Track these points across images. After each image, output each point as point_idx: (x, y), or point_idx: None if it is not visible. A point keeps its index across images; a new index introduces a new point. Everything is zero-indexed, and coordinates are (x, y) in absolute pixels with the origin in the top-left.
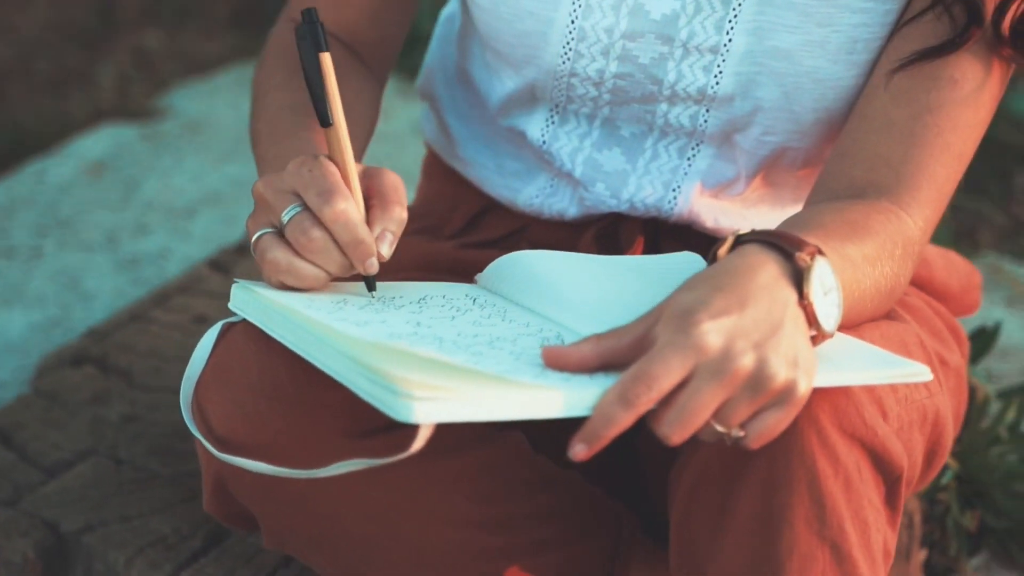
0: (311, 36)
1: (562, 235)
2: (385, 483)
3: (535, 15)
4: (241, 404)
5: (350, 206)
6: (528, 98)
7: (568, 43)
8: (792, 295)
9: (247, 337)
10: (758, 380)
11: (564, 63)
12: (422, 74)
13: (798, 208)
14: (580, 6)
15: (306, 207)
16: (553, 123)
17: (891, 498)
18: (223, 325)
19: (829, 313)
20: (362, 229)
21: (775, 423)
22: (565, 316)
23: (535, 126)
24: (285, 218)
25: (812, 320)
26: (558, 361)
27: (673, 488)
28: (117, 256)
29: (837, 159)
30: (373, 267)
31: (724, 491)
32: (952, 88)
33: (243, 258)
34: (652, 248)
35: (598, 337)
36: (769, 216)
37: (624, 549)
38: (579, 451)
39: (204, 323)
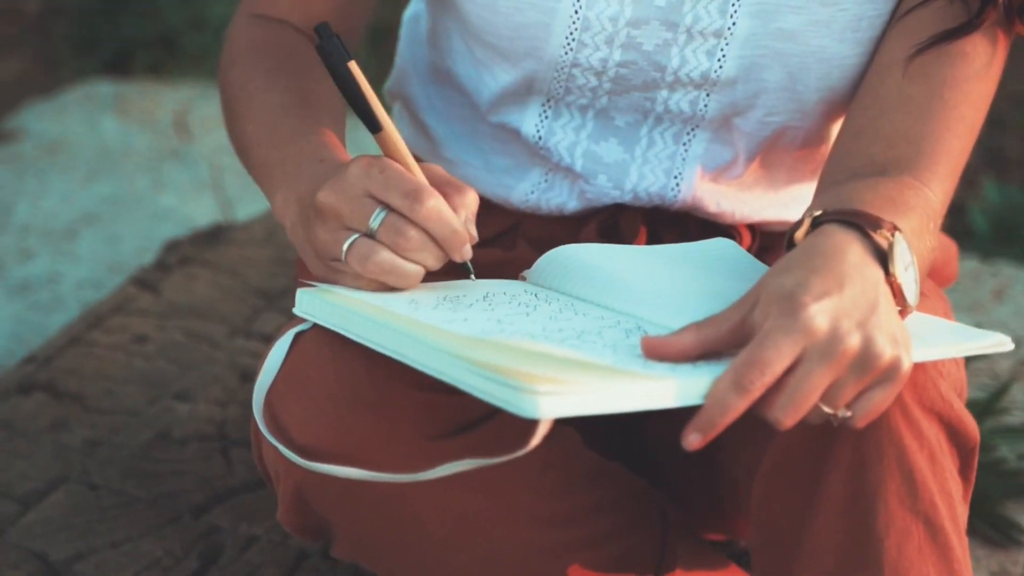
0: (334, 50)
1: (561, 229)
2: (465, 484)
3: (537, 6)
4: (322, 412)
5: (440, 202)
6: (523, 92)
7: (572, 33)
8: (879, 272)
9: (319, 344)
10: (865, 359)
11: (567, 54)
12: (393, 76)
13: (792, 189)
14: None
15: (391, 209)
16: (547, 117)
17: (965, 470)
18: (294, 334)
19: (911, 288)
20: (455, 220)
21: (881, 401)
22: (634, 307)
23: (529, 121)
24: (375, 222)
25: (899, 296)
26: (660, 351)
27: (744, 473)
28: (6, 282)
29: (853, 137)
30: (469, 252)
31: (811, 473)
32: (965, 63)
33: (167, 275)
34: (654, 237)
35: (697, 326)
36: (764, 198)
37: (671, 538)
38: (694, 440)
39: (145, 342)
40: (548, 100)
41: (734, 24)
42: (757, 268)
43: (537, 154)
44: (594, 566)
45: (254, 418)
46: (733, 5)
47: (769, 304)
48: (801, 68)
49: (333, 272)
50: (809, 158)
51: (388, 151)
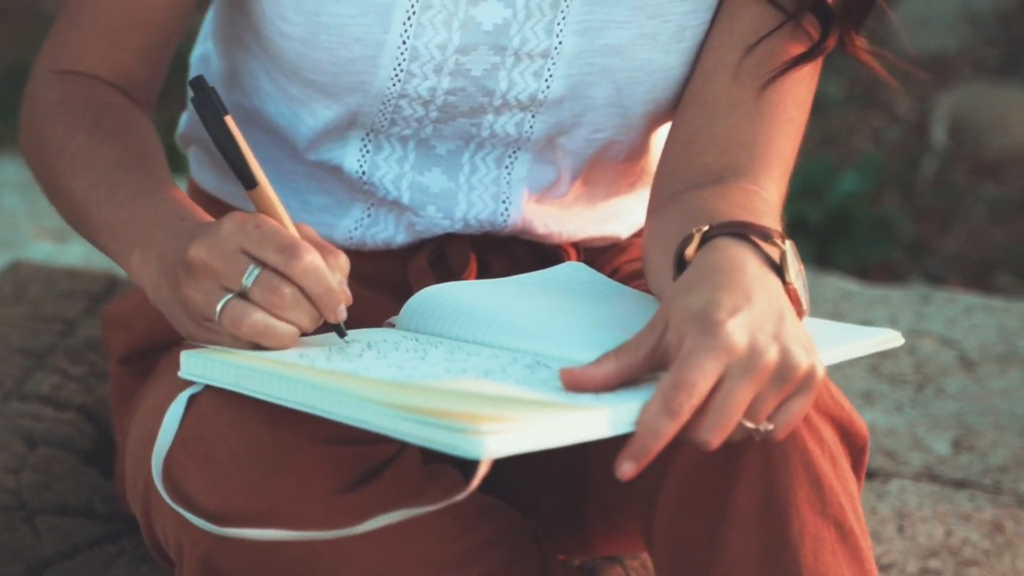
0: (210, 104)
1: (388, 264)
2: (377, 535)
3: (362, 40)
4: (228, 475)
5: (316, 258)
6: (344, 127)
7: (400, 64)
8: (778, 281)
9: (216, 405)
10: (784, 371)
11: (395, 85)
12: (186, 120)
13: (611, 203)
14: (412, 26)
15: (265, 265)
16: (368, 151)
17: (857, 469)
18: (188, 398)
19: (804, 294)
20: (332, 278)
21: (800, 411)
22: (524, 342)
23: (350, 157)
24: (248, 280)
25: (796, 303)
26: (581, 383)
27: (646, 495)
28: None
29: (684, 147)
30: (343, 313)
31: (719, 486)
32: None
33: None
34: (483, 264)
35: (615, 355)
36: (584, 215)
37: (550, 566)
38: (628, 469)
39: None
40: (368, 134)
41: (560, 43)
42: (615, 288)
43: (359, 189)
44: None
45: (135, 491)
46: (559, 24)
47: (683, 325)
48: (628, 83)
49: (207, 332)
50: (629, 171)
51: (262, 207)
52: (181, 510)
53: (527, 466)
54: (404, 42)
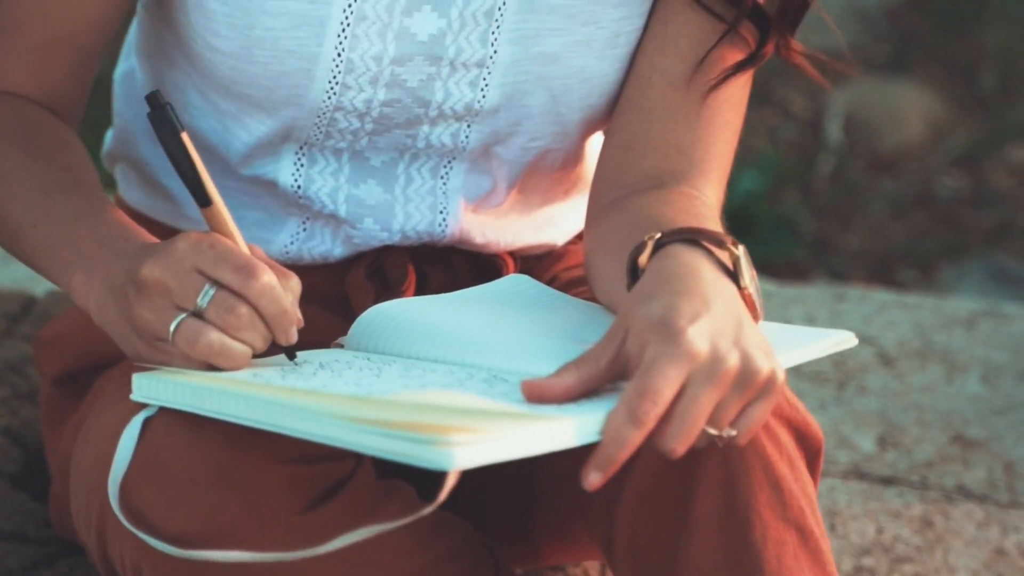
0: (166, 120)
1: (325, 278)
2: (337, 555)
3: (296, 53)
4: (187, 498)
5: (272, 278)
6: (278, 142)
7: (335, 77)
8: (733, 287)
9: (171, 427)
10: (745, 376)
11: (330, 98)
12: (113, 138)
13: (545, 211)
14: (346, 37)
15: (220, 285)
16: (303, 165)
17: (812, 471)
18: (142, 421)
19: (758, 299)
20: (286, 299)
21: (761, 416)
22: (477, 357)
23: (284, 171)
24: (203, 299)
25: (751, 307)
26: (543, 394)
27: (604, 504)
28: None
29: (621, 153)
30: (295, 335)
31: (680, 494)
32: (721, 67)
33: None
34: (420, 275)
35: (575, 365)
36: (519, 223)
37: (504, 575)
38: (594, 479)
39: None
40: (302, 147)
41: (495, 52)
42: (560, 298)
43: (294, 203)
44: None
45: (86, 517)
46: (493, 34)
47: (643, 333)
48: (564, 90)
49: (158, 352)
50: (564, 179)
51: (216, 226)
52: (142, 534)
53: (476, 477)
54: (339, 54)
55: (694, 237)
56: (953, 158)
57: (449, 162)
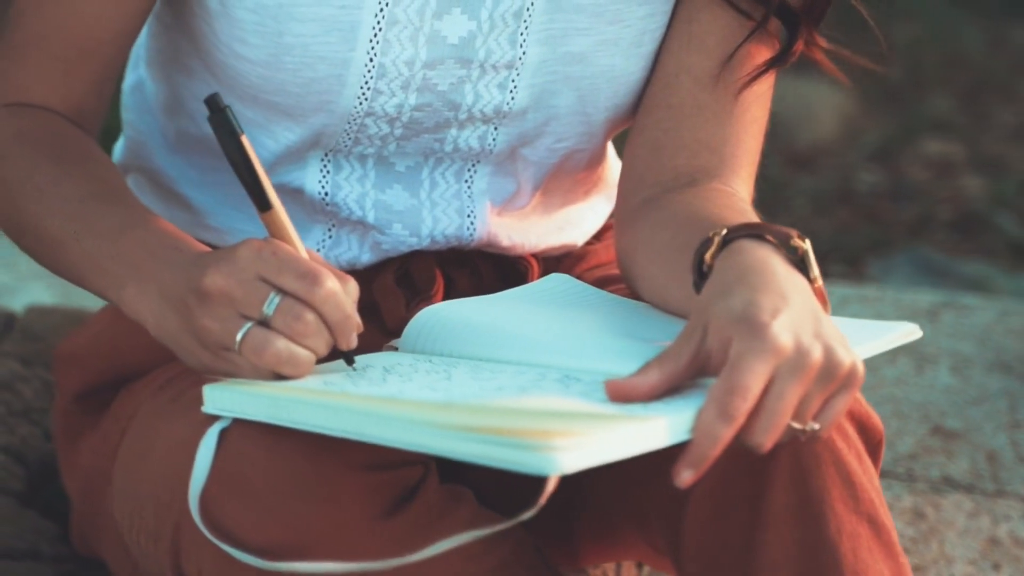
0: (226, 123)
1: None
2: (420, 564)
3: (328, 59)
4: (272, 509)
5: (336, 284)
6: (305, 149)
7: (367, 82)
8: (804, 280)
9: (250, 439)
10: (829, 369)
11: (361, 104)
12: (124, 149)
13: (565, 211)
14: (378, 42)
15: (285, 292)
16: (328, 172)
17: (874, 463)
18: (219, 433)
19: (825, 292)
20: (349, 304)
21: (842, 408)
22: (541, 357)
23: (311, 178)
24: (269, 307)
25: (822, 300)
26: (628, 393)
27: (670, 503)
28: None
29: (650, 151)
30: (355, 340)
31: (751, 490)
32: (752, 66)
33: None
34: (448, 279)
35: (658, 363)
36: (541, 225)
37: None
38: (686, 477)
39: None
40: (327, 154)
41: (524, 54)
42: (605, 297)
43: (320, 211)
44: None
45: (155, 537)
46: (522, 35)
47: (725, 329)
48: (591, 89)
49: (223, 362)
50: (586, 180)
51: (275, 232)
52: (230, 548)
53: (521, 478)
54: (371, 59)
55: (760, 232)
56: (868, 153)
57: (473, 166)
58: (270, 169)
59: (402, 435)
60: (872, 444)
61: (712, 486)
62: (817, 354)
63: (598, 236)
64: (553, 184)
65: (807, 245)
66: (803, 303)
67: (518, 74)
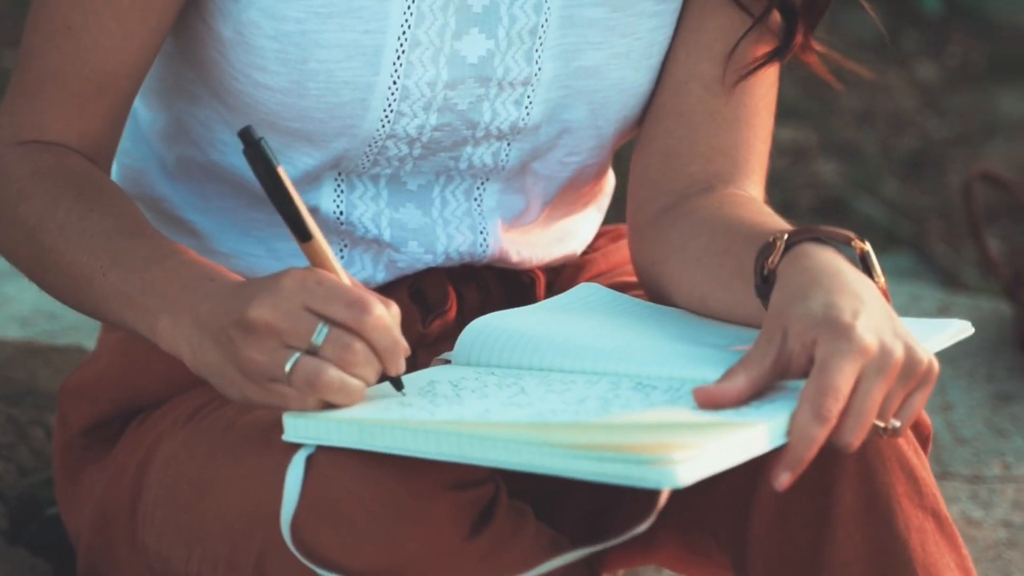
0: (261, 156)
1: None
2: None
3: (352, 84)
4: (368, 534)
5: (383, 310)
6: (322, 172)
7: (390, 105)
8: (870, 281)
9: (337, 465)
10: (909, 367)
11: (383, 126)
12: (118, 178)
13: (564, 223)
14: (401, 65)
15: (332, 322)
16: (342, 191)
17: (925, 456)
18: (305, 460)
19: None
20: (397, 331)
21: (920, 405)
22: (608, 365)
23: (326, 199)
24: (319, 338)
25: (887, 299)
26: (717, 400)
27: (733, 506)
28: None
29: (663, 160)
30: (403, 366)
31: (818, 490)
32: (758, 71)
33: None
34: (459, 296)
35: (742, 369)
36: (543, 237)
37: None
38: (785, 479)
39: None
40: (340, 174)
41: (539, 70)
42: (640, 303)
43: (334, 231)
44: None
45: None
46: (537, 51)
47: (807, 332)
48: (603, 102)
49: (270, 394)
50: (590, 192)
51: (316, 261)
52: (327, 573)
53: (551, 483)
54: (395, 82)
55: (822, 236)
56: None
57: (483, 183)
58: None
59: (510, 456)
60: (922, 439)
61: (777, 491)
62: (899, 353)
63: (591, 245)
64: (561, 198)
65: (868, 246)
66: (877, 303)
67: (533, 90)
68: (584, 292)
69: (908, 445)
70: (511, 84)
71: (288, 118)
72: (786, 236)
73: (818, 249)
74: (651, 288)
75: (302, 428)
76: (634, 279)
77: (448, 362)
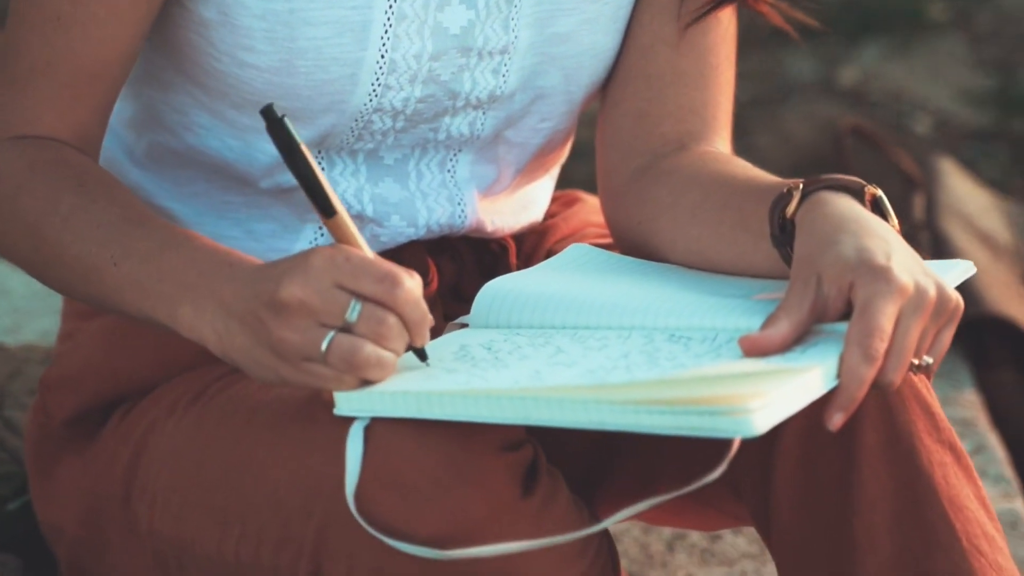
0: (284, 132)
1: None
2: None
3: (340, 60)
4: (432, 499)
5: (413, 283)
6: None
7: (378, 79)
8: (887, 224)
9: (397, 434)
10: (942, 305)
11: (371, 101)
12: None
13: (527, 191)
14: (389, 39)
15: (363, 297)
16: (323, 168)
17: None
18: (363, 431)
19: None
20: (424, 303)
21: (949, 341)
22: (637, 319)
23: None
24: (352, 315)
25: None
26: (763, 347)
27: (756, 456)
28: None
29: (635, 121)
30: (428, 337)
31: (843, 430)
32: (719, 28)
33: None
34: (436, 269)
35: (784, 315)
36: (509, 206)
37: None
38: (838, 420)
39: None
40: (320, 151)
41: (516, 38)
42: (633, 261)
43: (311, 210)
44: None
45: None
46: (513, 19)
47: (843, 276)
48: (576, 68)
49: (305, 374)
50: (555, 158)
51: (341, 237)
52: (401, 544)
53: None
54: (382, 56)
55: (834, 184)
56: None
57: (455, 154)
58: (267, 173)
59: (578, 415)
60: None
61: (801, 433)
62: (932, 292)
63: (547, 212)
64: (530, 165)
65: (880, 192)
66: (902, 244)
67: (510, 58)
68: (578, 252)
69: (922, 383)
70: (490, 53)
71: (275, 97)
72: (801, 186)
73: (835, 196)
74: (638, 247)
75: (356, 401)
76: (600, 240)
77: (465, 326)
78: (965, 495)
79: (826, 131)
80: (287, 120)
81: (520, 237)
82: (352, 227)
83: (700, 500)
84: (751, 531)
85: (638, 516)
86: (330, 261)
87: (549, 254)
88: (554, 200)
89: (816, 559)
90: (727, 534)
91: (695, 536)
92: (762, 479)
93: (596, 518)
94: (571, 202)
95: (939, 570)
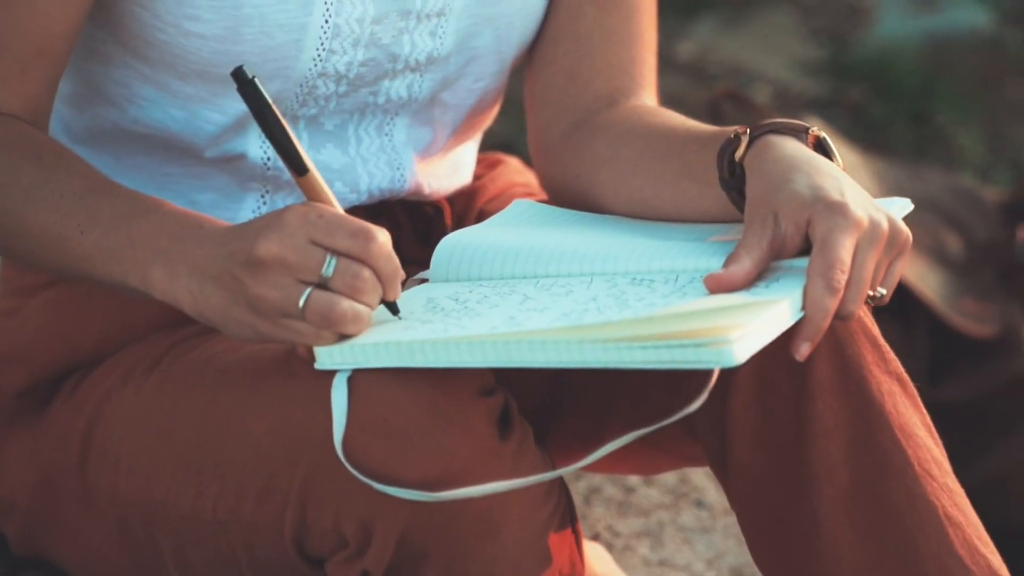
0: (256, 93)
1: None
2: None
3: (285, 25)
4: (417, 444)
5: (386, 236)
6: (249, 118)
7: (322, 43)
8: (833, 164)
9: (379, 382)
10: (893, 237)
11: (315, 65)
12: None
13: (455, 153)
14: (332, 3)
15: (338, 253)
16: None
17: None
18: (346, 381)
19: None
20: (396, 257)
21: (900, 272)
22: (597, 265)
23: (253, 145)
24: (328, 269)
25: None
26: (727, 283)
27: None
28: None
29: (566, 80)
30: (400, 291)
31: (793, 368)
32: None
33: None
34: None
35: (744, 253)
36: (442, 168)
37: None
38: (805, 350)
39: None
40: None
41: (452, 0)
42: (578, 213)
43: (259, 177)
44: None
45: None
46: None
47: (799, 213)
48: (507, 28)
49: (284, 329)
50: (485, 118)
51: (313, 194)
52: (392, 489)
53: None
54: (327, 21)
55: (778, 128)
56: None
57: (392, 118)
58: (213, 142)
59: (561, 355)
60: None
61: (754, 368)
62: (885, 224)
63: (473, 173)
64: (463, 126)
65: (823, 134)
66: (851, 182)
67: (446, 20)
68: (522, 207)
69: (867, 316)
70: (428, 16)
71: (220, 64)
72: (748, 130)
73: (782, 139)
74: (578, 201)
75: (337, 355)
76: (528, 199)
77: (424, 281)
78: (914, 423)
79: (670, 104)
80: (257, 80)
81: (451, 199)
82: (324, 185)
83: (650, 443)
84: (664, 482)
85: (601, 468)
86: (304, 218)
87: (480, 215)
88: (478, 162)
89: (774, 492)
90: (640, 486)
91: (610, 489)
92: (718, 417)
93: (552, 463)
94: (494, 164)
95: (894, 494)
